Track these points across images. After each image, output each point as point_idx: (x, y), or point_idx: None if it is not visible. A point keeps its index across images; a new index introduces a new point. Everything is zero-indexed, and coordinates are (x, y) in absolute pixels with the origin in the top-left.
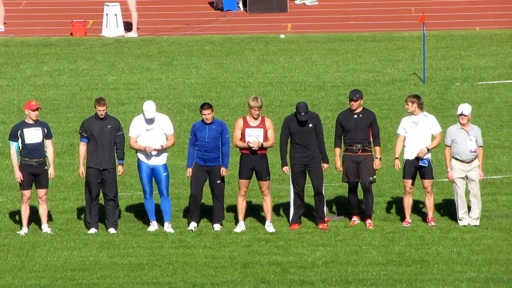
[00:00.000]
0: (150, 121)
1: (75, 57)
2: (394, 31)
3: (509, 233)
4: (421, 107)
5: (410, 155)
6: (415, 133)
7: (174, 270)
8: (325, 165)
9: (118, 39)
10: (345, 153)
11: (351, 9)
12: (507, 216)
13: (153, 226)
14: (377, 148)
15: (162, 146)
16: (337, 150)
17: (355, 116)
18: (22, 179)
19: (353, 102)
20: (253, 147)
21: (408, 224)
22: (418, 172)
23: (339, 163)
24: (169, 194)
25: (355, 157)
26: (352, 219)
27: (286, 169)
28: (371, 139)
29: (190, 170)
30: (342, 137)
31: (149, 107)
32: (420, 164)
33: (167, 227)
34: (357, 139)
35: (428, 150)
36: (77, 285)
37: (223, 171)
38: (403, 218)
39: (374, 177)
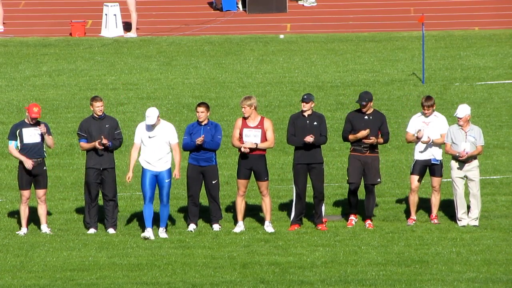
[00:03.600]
0: (150, 127)
1: (75, 57)
2: (393, 31)
3: (508, 233)
4: (434, 108)
5: (419, 155)
6: (426, 133)
7: (173, 270)
8: (310, 138)
9: (117, 39)
10: (352, 153)
11: (350, 9)
12: (506, 216)
13: (148, 232)
14: (381, 139)
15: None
16: (351, 136)
17: (366, 117)
18: (33, 164)
19: (362, 108)
20: (244, 151)
21: (414, 222)
22: (428, 170)
23: (361, 133)
24: (169, 201)
25: (362, 157)
26: (350, 218)
27: (309, 138)
28: (380, 137)
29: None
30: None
31: (151, 113)
32: (432, 162)
33: (161, 232)
34: (365, 139)
35: (432, 141)
36: (76, 285)
37: (199, 140)
38: (403, 218)
39: (380, 178)
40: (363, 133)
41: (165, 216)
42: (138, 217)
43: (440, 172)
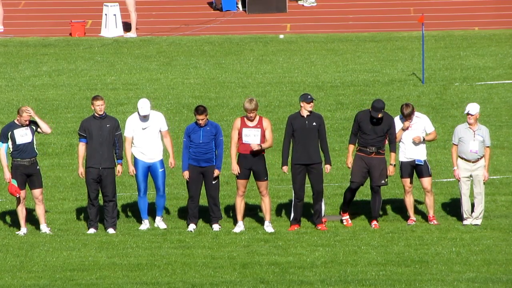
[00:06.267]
0: (144, 118)
1: (74, 57)
2: (393, 31)
3: (508, 233)
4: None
5: (404, 157)
6: (410, 135)
7: (173, 271)
8: (328, 167)
9: (117, 39)
10: (358, 153)
11: (350, 9)
12: (506, 216)
13: (145, 224)
14: (393, 155)
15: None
16: (351, 147)
17: (374, 120)
18: (10, 180)
19: (376, 117)
20: (253, 149)
21: (414, 222)
22: (415, 171)
23: (350, 160)
24: (165, 191)
25: (368, 158)
26: (344, 218)
27: (286, 168)
28: (387, 142)
29: (187, 172)
30: (357, 135)
31: (144, 104)
32: (416, 163)
33: (159, 221)
34: (372, 142)
35: (424, 139)
36: (76, 285)
37: (215, 172)
38: (403, 218)
39: (386, 180)
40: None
41: (161, 205)
42: (138, 217)
43: (428, 172)
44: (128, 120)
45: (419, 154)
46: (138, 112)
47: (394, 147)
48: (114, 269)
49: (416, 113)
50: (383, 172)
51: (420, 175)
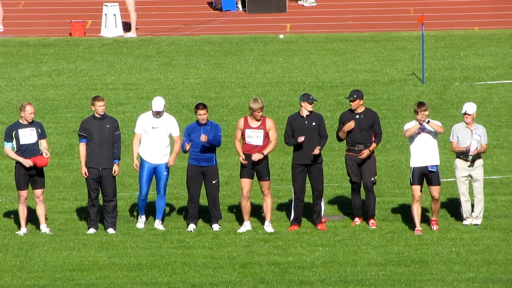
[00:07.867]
0: (157, 115)
1: (74, 57)
2: (393, 31)
3: (508, 233)
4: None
5: (416, 162)
6: (422, 140)
7: (173, 270)
8: (318, 148)
9: (117, 39)
10: (347, 153)
11: (350, 9)
12: (506, 216)
13: (142, 219)
14: (373, 145)
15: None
16: (340, 132)
17: (357, 116)
18: (32, 165)
19: (350, 103)
20: (253, 159)
21: (420, 233)
22: (425, 179)
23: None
24: (165, 193)
25: (357, 157)
26: (354, 220)
27: (302, 138)
28: (373, 138)
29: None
30: (344, 136)
31: (158, 100)
32: (429, 169)
33: (157, 224)
34: (359, 139)
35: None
36: (76, 285)
37: (203, 137)
38: (403, 218)
39: (376, 177)
40: (349, 125)
41: (161, 207)
42: (137, 217)
43: (438, 181)
44: (140, 117)
45: (432, 159)
46: (152, 109)
47: (378, 140)
48: (114, 269)
49: (429, 119)
50: (372, 169)
51: (430, 183)
